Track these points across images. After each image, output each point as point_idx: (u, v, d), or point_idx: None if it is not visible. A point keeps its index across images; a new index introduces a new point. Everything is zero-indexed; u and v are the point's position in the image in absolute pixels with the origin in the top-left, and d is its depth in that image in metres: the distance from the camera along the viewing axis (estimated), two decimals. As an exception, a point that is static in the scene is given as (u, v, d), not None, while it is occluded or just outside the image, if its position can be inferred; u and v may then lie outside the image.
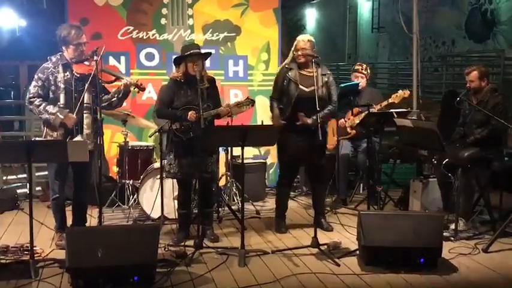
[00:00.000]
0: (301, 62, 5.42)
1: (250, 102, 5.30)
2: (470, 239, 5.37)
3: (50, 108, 4.81)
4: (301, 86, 5.35)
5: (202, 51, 5.28)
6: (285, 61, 5.61)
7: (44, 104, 4.82)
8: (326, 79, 5.45)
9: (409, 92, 6.39)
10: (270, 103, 5.68)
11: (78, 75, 4.89)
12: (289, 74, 5.44)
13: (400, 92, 6.30)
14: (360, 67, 6.70)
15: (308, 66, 5.39)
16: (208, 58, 5.46)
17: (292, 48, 5.50)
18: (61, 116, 4.79)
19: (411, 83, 8.14)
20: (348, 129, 6.55)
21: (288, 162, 5.61)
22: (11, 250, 4.90)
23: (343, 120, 6.52)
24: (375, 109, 6.08)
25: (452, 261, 4.83)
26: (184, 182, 5.32)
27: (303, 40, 5.43)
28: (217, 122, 5.47)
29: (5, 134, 8.98)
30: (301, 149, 5.39)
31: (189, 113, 5.03)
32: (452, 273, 4.60)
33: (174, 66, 5.37)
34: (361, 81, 6.56)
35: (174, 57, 5.42)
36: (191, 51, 5.11)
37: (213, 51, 6.82)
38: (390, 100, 6.29)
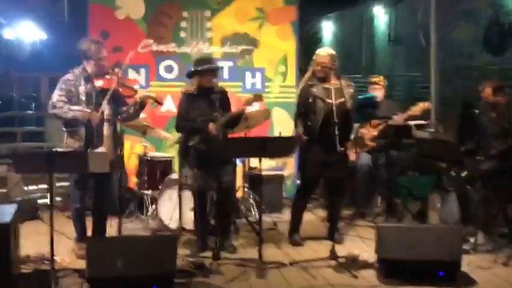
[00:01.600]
0: (321, 76, 5.40)
1: (258, 97, 5.26)
2: (489, 252, 5.33)
3: (75, 107, 4.90)
4: (328, 100, 5.27)
5: (220, 63, 5.38)
6: (305, 76, 5.56)
7: (68, 105, 4.91)
8: (351, 91, 5.45)
9: (430, 104, 6.37)
10: (295, 121, 5.62)
11: (99, 89, 4.97)
12: (313, 90, 5.37)
13: (420, 104, 6.29)
14: (377, 79, 6.71)
15: (330, 80, 5.37)
16: (226, 70, 5.54)
17: (312, 62, 5.49)
18: (88, 110, 4.87)
19: (428, 96, 8.13)
20: (367, 142, 6.54)
21: (312, 176, 5.55)
22: (31, 259, 4.95)
23: (365, 130, 6.51)
24: (395, 121, 6.06)
25: (471, 274, 4.79)
26: (200, 193, 5.36)
27: (322, 54, 5.42)
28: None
29: (26, 144, 9.12)
30: (325, 163, 5.31)
31: (209, 126, 5.08)
32: (471, 286, 4.58)
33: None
34: (379, 94, 6.56)
35: (187, 71, 5.52)
36: (206, 67, 5.19)
37: (231, 63, 6.93)
38: (410, 112, 6.27)
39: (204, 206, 5.42)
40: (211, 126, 5.10)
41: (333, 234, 5.51)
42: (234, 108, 5.44)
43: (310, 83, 5.45)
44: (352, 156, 6.28)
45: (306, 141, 5.41)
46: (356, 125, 6.22)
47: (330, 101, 5.26)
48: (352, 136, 5.63)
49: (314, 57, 5.45)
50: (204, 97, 5.21)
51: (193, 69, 5.31)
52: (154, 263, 4.23)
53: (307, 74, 5.54)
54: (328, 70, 5.33)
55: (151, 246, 4.33)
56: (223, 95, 5.37)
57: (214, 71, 5.28)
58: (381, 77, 6.78)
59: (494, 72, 14.89)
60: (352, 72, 22.43)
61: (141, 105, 5.10)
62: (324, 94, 5.34)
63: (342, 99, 5.33)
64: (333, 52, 5.46)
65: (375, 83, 6.64)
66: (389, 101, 7.18)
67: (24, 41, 17.64)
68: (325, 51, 5.44)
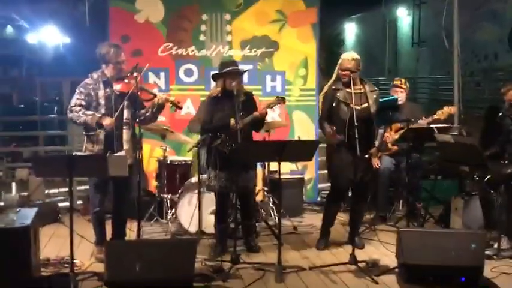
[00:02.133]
0: (346, 81, 5.33)
1: (281, 100, 5.26)
2: (513, 257, 5.24)
3: (88, 112, 4.93)
4: (352, 106, 5.19)
5: (240, 66, 5.36)
6: (330, 81, 5.50)
7: (83, 110, 4.94)
8: (375, 96, 5.41)
9: (455, 108, 6.28)
10: (320, 124, 5.58)
11: (118, 92, 4.99)
12: (338, 94, 5.33)
13: (445, 108, 6.21)
14: (399, 82, 6.63)
15: (355, 84, 5.32)
16: (246, 74, 5.52)
17: (337, 67, 5.43)
18: (98, 115, 4.90)
19: (452, 98, 8.01)
20: (389, 145, 6.46)
21: (342, 181, 5.46)
22: (51, 263, 5.00)
23: (387, 134, 6.45)
24: (419, 124, 6.00)
25: (494, 280, 4.70)
26: (222, 195, 5.36)
27: (347, 59, 5.35)
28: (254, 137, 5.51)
29: (47, 148, 9.21)
30: (353, 167, 5.23)
31: (231, 121, 5.11)
32: (495, 292, 4.50)
33: (212, 81, 5.51)
34: (401, 96, 6.47)
35: (212, 73, 5.53)
36: (229, 69, 5.22)
37: (250, 67, 6.90)
38: (436, 116, 6.19)
39: (226, 207, 5.43)
40: (233, 121, 5.12)
41: (353, 239, 5.44)
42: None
43: (334, 87, 5.41)
44: (376, 163, 6.23)
45: (334, 145, 5.38)
46: (381, 131, 6.16)
47: (354, 106, 5.20)
48: (377, 142, 5.58)
49: (339, 61, 5.39)
50: (229, 100, 5.23)
51: (218, 71, 5.35)
52: (173, 267, 4.23)
53: (332, 78, 5.49)
54: (352, 75, 5.27)
55: (170, 250, 4.33)
56: (249, 97, 5.38)
57: (237, 74, 5.27)
58: (403, 80, 6.70)
59: (519, 74, 14.70)
60: (376, 75, 22.41)
61: (159, 107, 5.10)
62: (348, 99, 5.28)
63: (366, 105, 5.30)
64: (358, 57, 5.40)
65: (397, 86, 6.57)
66: (412, 103, 7.10)
67: (46, 45, 17.92)
68: (350, 56, 5.37)
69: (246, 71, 5.55)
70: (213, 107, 5.31)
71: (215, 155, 5.33)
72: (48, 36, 15.92)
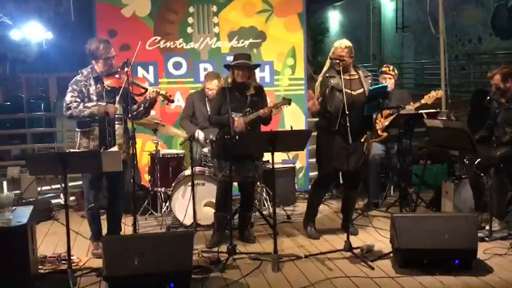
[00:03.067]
0: (339, 69, 5.34)
1: (287, 101, 5.33)
2: (505, 239, 5.32)
3: (89, 104, 4.93)
4: (347, 91, 5.19)
5: (230, 58, 5.41)
6: (324, 69, 5.52)
7: (82, 104, 4.93)
8: (370, 81, 5.45)
9: (442, 92, 6.35)
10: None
11: (109, 88, 4.99)
12: (332, 81, 5.35)
13: (432, 92, 6.28)
14: (387, 68, 6.68)
15: (348, 70, 5.36)
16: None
17: (330, 55, 5.46)
18: (103, 103, 4.90)
19: (438, 83, 8.10)
20: (379, 132, 6.51)
21: (330, 168, 5.50)
22: (48, 260, 5.00)
23: (377, 121, 6.49)
24: (407, 109, 6.06)
25: (487, 261, 4.80)
26: (223, 184, 5.40)
27: (340, 47, 5.37)
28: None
29: (37, 145, 9.18)
30: (343, 153, 5.22)
31: (236, 121, 5.17)
32: (488, 274, 4.57)
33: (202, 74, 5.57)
34: (390, 83, 6.52)
35: (224, 64, 5.65)
36: (236, 62, 5.28)
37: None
38: (423, 101, 6.27)
39: (226, 197, 5.44)
40: (237, 121, 5.17)
41: (347, 226, 5.50)
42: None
43: (328, 75, 5.44)
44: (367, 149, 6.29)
45: (325, 133, 5.43)
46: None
47: (348, 91, 5.23)
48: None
49: (332, 49, 5.41)
50: (238, 92, 5.30)
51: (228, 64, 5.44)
52: (171, 260, 4.25)
53: (325, 66, 5.52)
54: (345, 62, 5.31)
55: (167, 243, 4.34)
56: (259, 90, 5.44)
57: (245, 68, 5.30)
58: (391, 67, 6.75)
59: (503, 57, 14.84)
60: (361, 61, 22.41)
61: (151, 102, 5.11)
62: (343, 84, 5.28)
63: (361, 90, 5.34)
64: (350, 44, 5.42)
65: (385, 72, 6.62)
66: (400, 90, 7.16)
67: (31, 41, 17.76)
68: (342, 44, 5.39)
69: (257, 65, 5.62)
70: (221, 99, 5.35)
71: (219, 146, 5.39)
72: (32, 33, 15.75)
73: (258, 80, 7.13)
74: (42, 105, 13.93)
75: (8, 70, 20.49)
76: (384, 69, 6.70)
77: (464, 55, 17.19)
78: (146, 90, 5.09)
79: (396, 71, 6.73)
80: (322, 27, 25.00)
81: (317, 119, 5.75)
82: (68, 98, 4.96)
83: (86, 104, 4.92)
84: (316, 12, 23.08)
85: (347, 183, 5.70)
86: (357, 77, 5.36)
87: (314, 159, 5.86)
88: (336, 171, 5.57)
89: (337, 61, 5.30)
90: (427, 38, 18.51)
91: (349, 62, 5.35)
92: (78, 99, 4.95)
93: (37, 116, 12.99)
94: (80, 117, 4.94)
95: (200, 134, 6.15)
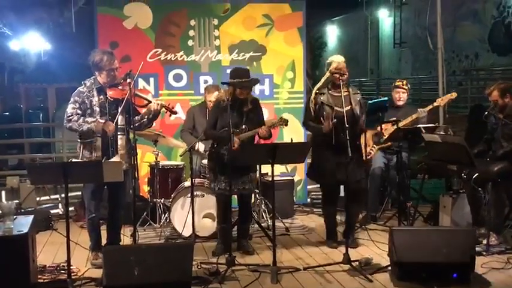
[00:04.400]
0: (337, 83, 5.41)
1: (284, 121, 5.36)
2: (502, 253, 5.35)
3: (89, 119, 4.96)
4: (336, 108, 5.34)
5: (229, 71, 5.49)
6: (319, 84, 5.58)
7: (82, 118, 4.96)
8: (358, 98, 5.51)
9: (455, 94, 6.42)
10: (306, 125, 5.72)
11: (112, 99, 5.03)
12: (321, 98, 5.46)
13: (447, 95, 6.37)
14: (401, 83, 6.73)
15: (338, 87, 5.43)
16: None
17: (327, 70, 5.52)
18: (102, 121, 4.93)
19: (435, 98, 8.14)
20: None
21: (328, 181, 5.57)
22: (48, 270, 5.00)
23: (384, 126, 6.50)
24: (420, 112, 6.25)
25: (485, 276, 4.82)
26: (223, 197, 5.44)
27: (338, 61, 5.46)
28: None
29: (36, 155, 9.20)
30: (340, 167, 5.31)
31: (235, 139, 5.18)
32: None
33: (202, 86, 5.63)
34: (403, 97, 6.62)
35: (223, 81, 5.62)
36: (241, 81, 5.28)
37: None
38: (435, 104, 6.38)
39: (225, 209, 5.48)
40: (236, 140, 5.21)
41: (347, 239, 5.53)
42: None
43: (318, 91, 5.53)
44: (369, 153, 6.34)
45: (318, 148, 5.49)
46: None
47: (337, 108, 5.35)
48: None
49: (332, 64, 5.47)
50: (236, 107, 5.33)
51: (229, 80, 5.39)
52: (171, 271, 4.27)
53: (322, 81, 5.57)
54: (346, 76, 5.39)
55: (167, 254, 4.36)
56: (255, 104, 5.47)
57: (248, 85, 5.34)
58: (405, 81, 6.82)
59: (500, 73, 14.93)
60: (358, 76, 22.54)
61: (155, 114, 5.15)
62: (332, 101, 5.42)
63: (349, 107, 5.39)
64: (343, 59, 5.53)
65: (399, 86, 6.66)
66: (410, 106, 7.18)
67: (30, 52, 17.84)
68: (339, 58, 5.49)
69: (258, 81, 5.65)
70: (218, 113, 5.38)
71: (215, 160, 5.43)
72: (32, 43, 15.82)
73: (257, 93, 7.26)
74: (41, 115, 13.97)
75: (6, 80, 20.54)
76: (397, 83, 6.74)
77: (462, 71, 17.30)
78: (149, 101, 5.13)
79: (409, 86, 6.80)
80: (320, 42, 25.17)
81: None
82: (69, 109, 4.99)
83: (86, 119, 4.94)
84: (315, 27, 23.25)
85: (347, 197, 5.73)
86: (346, 93, 5.40)
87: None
88: (335, 185, 5.59)
89: (338, 75, 5.36)
90: (425, 53, 18.63)
91: (344, 77, 5.41)
92: (79, 111, 4.98)
93: (35, 126, 13.02)
94: (78, 131, 4.99)
95: (201, 146, 6.19)
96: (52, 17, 12.36)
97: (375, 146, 6.52)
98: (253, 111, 5.43)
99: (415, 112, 6.42)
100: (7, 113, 15.55)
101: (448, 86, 13.45)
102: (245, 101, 5.36)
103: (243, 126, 5.32)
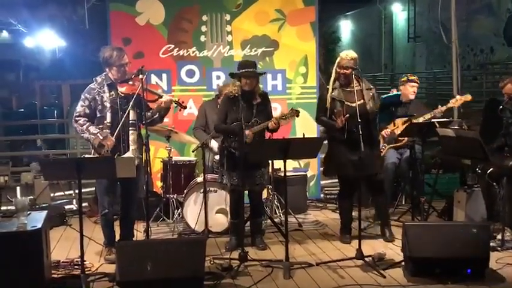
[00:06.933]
0: (344, 80, 5.42)
1: (295, 113, 5.34)
2: (517, 248, 5.31)
3: (92, 129, 4.96)
4: (347, 103, 5.35)
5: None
6: (331, 80, 5.56)
7: (87, 124, 4.98)
8: (371, 93, 5.48)
9: (470, 96, 6.34)
10: (319, 120, 5.70)
11: (123, 95, 5.04)
12: (334, 93, 5.45)
13: (463, 96, 6.29)
14: (414, 77, 6.71)
15: (351, 82, 5.41)
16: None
17: (335, 67, 5.51)
18: (100, 137, 4.93)
19: (450, 92, 8.10)
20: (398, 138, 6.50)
21: (347, 172, 5.53)
22: (62, 265, 5.04)
23: (387, 130, 6.48)
24: (436, 112, 6.15)
25: (499, 271, 4.77)
26: (236, 193, 5.45)
27: (346, 58, 5.42)
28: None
29: (50, 152, 9.27)
30: (355, 163, 5.29)
31: (246, 132, 5.19)
32: (500, 283, 4.56)
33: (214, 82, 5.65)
34: (415, 91, 6.60)
35: (229, 72, 5.61)
36: (243, 71, 5.28)
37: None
38: (449, 105, 6.29)
39: (238, 205, 5.47)
40: (248, 132, 5.21)
41: (384, 232, 5.51)
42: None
43: (329, 87, 5.52)
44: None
45: (333, 142, 5.49)
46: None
47: (348, 103, 5.34)
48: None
49: (338, 59, 5.47)
50: (245, 100, 5.31)
51: (234, 72, 5.43)
52: (183, 266, 4.28)
53: (332, 77, 5.55)
54: (351, 73, 5.36)
55: (180, 249, 4.37)
56: (264, 98, 5.46)
57: (251, 76, 5.31)
58: (416, 76, 6.79)
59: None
60: (372, 71, 22.41)
61: (166, 109, 5.16)
62: (344, 96, 5.42)
63: (361, 101, 5.35)
64: (355, 55, 5.47)
65: (413, 81, 6.62)
66: (417, 100, 7.14)
67: (44, 49, 17.96)
68: (348, 55, 5.44)
69: (262, 73, 5.63)
70: (228, 107, 5.39)
71: (226, 155, 5.43)
72: (46, 40, 15.92)
73: (270, 89, 7.26)
74: (55, 112, 14.07)
75: (21, 77, 20.71)
76: (411, 77, 6.68)
77: (477, 65, 17.14)
78: (160, 96, 5.14)
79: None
80: (333, 37, 25.01)
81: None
82: (78, 107, 5.04)
83: (89, 128, 4.96)
84: (328, 22, 23.12)
85: (370, 190, 5.73)
86: (358, 88, 5.38)
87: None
88: (352, 178, 5.57)
89: (343, 71, 5.36)
90: (439, 48, 18.49)
91: (353, 73, 5.38)
92: (87, 110, 5.01)
93: (50, 123, 13.12)
94: (80, 134, 5.06)
95: (214, 144, 6.18)
96: (65, 14, 12.43)
97: (385, 145, 6.49)
98: (263, 105, 5.42)
99: (423, 106, 6.39)
100: (22, 110, 15.67)
101: (463, 80, 13.33)
102: (253, 94, 5.34)
103: (254, 119, 5.31)
